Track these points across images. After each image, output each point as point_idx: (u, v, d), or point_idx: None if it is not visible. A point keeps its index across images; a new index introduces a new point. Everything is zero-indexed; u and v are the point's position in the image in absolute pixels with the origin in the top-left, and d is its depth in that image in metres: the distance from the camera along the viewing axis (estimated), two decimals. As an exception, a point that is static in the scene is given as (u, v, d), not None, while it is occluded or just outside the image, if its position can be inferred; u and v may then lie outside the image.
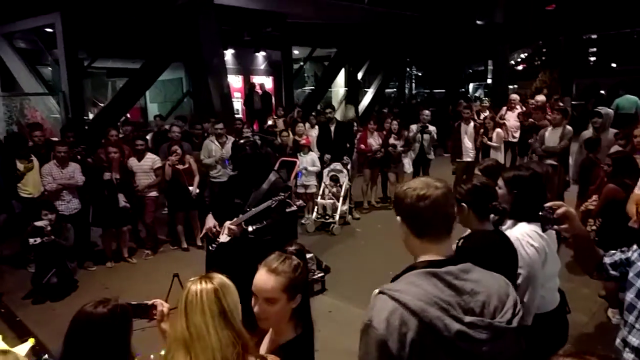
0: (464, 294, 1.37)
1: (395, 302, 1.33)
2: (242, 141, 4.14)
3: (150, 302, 2.00)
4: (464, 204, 2.31)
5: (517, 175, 2.50)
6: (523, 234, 2.39)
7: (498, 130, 8.02)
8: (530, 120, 8.48)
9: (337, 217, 7.29)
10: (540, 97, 9.17)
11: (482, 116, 9.39)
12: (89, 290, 5.44)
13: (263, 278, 1.70)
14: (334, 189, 7.50)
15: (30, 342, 1.42)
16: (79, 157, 6.38)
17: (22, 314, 4.98)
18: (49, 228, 5.29)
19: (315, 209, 7.49)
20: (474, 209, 2.32)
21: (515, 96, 9.52)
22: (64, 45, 9.63)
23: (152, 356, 3.62)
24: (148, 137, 8.05)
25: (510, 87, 19.18)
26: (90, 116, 11.86)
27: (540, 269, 2.37)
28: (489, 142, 7.91)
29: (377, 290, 1.41)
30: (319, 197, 7.55)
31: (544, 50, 21.79)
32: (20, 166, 5.97)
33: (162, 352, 2.10)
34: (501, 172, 2.72)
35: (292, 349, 1.76)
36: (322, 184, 7.64)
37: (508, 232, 2.41)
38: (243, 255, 3.79)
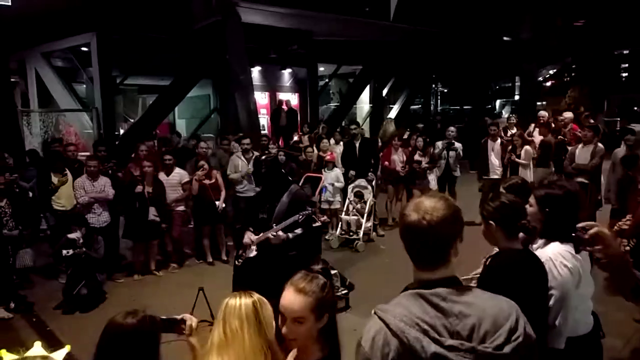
0: (450, 316, 1.35)
1: (382, 322, 1.38)
2: (263, 157, 4.21)
3: (179, 317, 2.03)
4: (491, 222, 2.28)
5: (550, 193, 2.44)
6: (556, 254, 2.32)
7: (527, 147, 7.88)
8: (560, 137, 8.33)
9: (361, 234, 7.25)
10: (568, 114, 9.03)
11: (509, 133, 9.27)
12: (117, 302, 5.53)
13: (291, 298, 1.68)
14: (358, 205, 7.48)
15: (67, 348, 1.46)
16: (110, 171, 6.55)
17: (52, 323, 5.10)
18: (81, 240, 5.43)
19: (340, 225, 7.47)
20: (502, 227, 2.28)
21: (544, 113, 9.38)
22: (98, 63, 9.99)
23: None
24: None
25: (539, 103, 18.89)
26: (121, 131, 12.20)
27: (573, 290, 2.30)
28: (517, 160, 7.78)
29: (373, 310, 1.45)
30: (343, 213, 7.53)
31: (574, 66, 21.44)
32: (54, 179, 6.17)
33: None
34: (532, 189, 2.67)
35: None
36: (347, 200, 7.63)
37: (540, 252, 2.35)
38: (269, 270, 3.82)
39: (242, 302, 1.76)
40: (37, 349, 1.39)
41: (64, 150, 6.83)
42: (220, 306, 1.80)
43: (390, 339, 1.34)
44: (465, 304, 1.37)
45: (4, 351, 1.34)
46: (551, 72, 22.70)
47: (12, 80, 10.72)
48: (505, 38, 16.17)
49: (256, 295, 1.80)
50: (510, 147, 7.92)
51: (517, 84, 21.23)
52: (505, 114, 22.32)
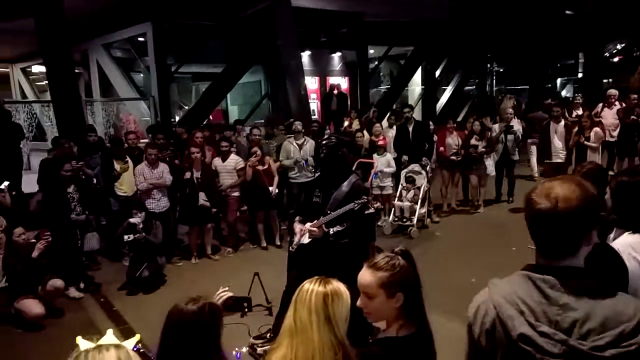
0: (554, 305, 1.31)
1: (488, 293, 1.43)
2: (324, 141, 4.16)
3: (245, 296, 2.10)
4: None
5: (620, 180, 2.28)
6: (625, 245, 2.14)
7: (596, 129, 7.36)
8: (632, 117, 7.73)
9: (415, 220, 7.09)
10: None
11: (574, 114, 8.75)
12: (176, 284, 5.76)
13: (362, 273, 1.76)
14: (411, 192, 7.31)
15: (137, 337, 1.50)
16: (167, 158, 6.75)
17: (117, 303, 5.37)
18: (140, 226, 5.66)
19: (393, 211, 7.35)
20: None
21: (613, 91, 8.73)
22: (154, 52, 10.29)
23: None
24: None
25: (605, 81, 17.69)
26: (177, 118, 12.56)
27: (643, 286, 2.12)
28: (586, 143, 7.28)
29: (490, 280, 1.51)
30: (396, 199, 7.39)
31: (645, 39, 19.80)
32: (117, 167, 6.45)
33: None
34: (604, 176, 2.48)
35: (382, 347, 1.73)
36: (400, 186, 7.48)
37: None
38: (322, 257, 3.80)
39: (313, 291, 1.72)
40: (110, 336, 1.43)
41: (125, 139, 7.10)
42: (298, 288, 1.79)
43: (490, 310, 1.39)
44: (575, 297, 1.30)
45: (79, 338, 1.39)
46: (619, 46, 21.10)
47: (76, 71, 11.25)
48: (567, 12, 15.17)
49: (330, 287, 1.74)
50: (576, 129, 7.45)
51: (581, 60, 19.91)
52: (566, 93, 21.08)
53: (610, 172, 7.20)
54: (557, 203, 1.29)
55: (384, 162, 7.39)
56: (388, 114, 10.79)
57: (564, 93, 21.29)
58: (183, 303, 1.93)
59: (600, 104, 8.69)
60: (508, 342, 1.32)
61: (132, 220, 5.73)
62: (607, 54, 19.40)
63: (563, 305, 1.29)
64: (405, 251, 1.80)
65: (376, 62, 17.04)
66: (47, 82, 10.31)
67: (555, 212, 1.29)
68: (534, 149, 9.22)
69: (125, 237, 5.64)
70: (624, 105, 8.47)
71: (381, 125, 8.37)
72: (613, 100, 8.49)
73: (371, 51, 15.86)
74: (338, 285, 1.77)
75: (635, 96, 8.40)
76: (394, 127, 8.62)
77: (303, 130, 7.33)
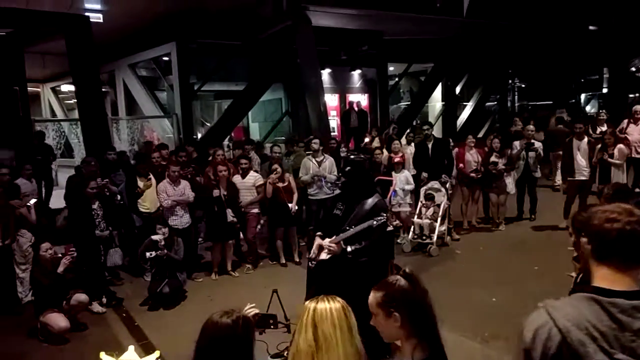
0: (627, 330, 1.27)
1: (548, 316, 1.35)
2: (352, 156, 4.20)
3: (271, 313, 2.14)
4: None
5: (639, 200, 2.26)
6: None
7: (620, 146, 7.19)
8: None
9: (434, 238, 7.02)
10: None
11: (598, 130, 8.60)
12: (196, 300, 5.80)
13: (370, 293, 1.80)
14: (431, 209, 7.26)
15: (157, 353, 1.54)
16: (189, 175, 6.86)
17: (139, 318, 5.43)
18: (162, 242, 5.75)
19: (412, 229, 7.30)
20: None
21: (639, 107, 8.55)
22: (178, 71, 10.57)
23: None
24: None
25: (631, 96, 17.34)
26: (199, 135, 12.80)
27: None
28: (610, 160, 7.11)
29: (540, 304, 1.45)
30: (416, 216, 7.34)
31: (672, 54, 19.38)
32: (140, 184, 6.59)
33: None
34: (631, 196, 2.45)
35: None
36: (419, 203, 7.44)
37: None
38: (341, 274, 3.80)
39: (331, 306, 1.75)
40: (131, 353, 1.47)
41: (149, 157, 7.26)
42: (306, 310, 1.79)
43: (554, 335, 1.32)
44: None
45: (103, 353, 1.43)
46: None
47: (103, 90, 11.61)
48: (591, 27, 15.00)
49: (339, 300, 1.80)
50: (599, 146, 7.30)
51: (606, 76, 19.60)
52: (591, 108, 20.71)
53: (637, 190, 7.03)
54: (631, 214, 1.36)
55: (402, 179, 7.37)
56: (407, 131, 10.79)
57: (588, 109, 20.93)
58: (217, 316, 1.92)
59: (626, 120, 8.52)
60: None
61: (154, 237, 5.83)
62: (632, 69, 19.05)
63: (637, 331, 1.27)
64: (409, 273, 1.79)
65: (396, 79, 17.10)
66: (75, 100, 10.68)
67: (631, 220, 1.35)
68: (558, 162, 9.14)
69: (148, 254, 5.74)
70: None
71: (400, 142, 8.36)
72: (639, 116, 8.31)
73: (391, 68, 15.93)
74: (343, 301, 1.83)
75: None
76: (412, 144, 8.61)
77: (321, 148, 7.37)
